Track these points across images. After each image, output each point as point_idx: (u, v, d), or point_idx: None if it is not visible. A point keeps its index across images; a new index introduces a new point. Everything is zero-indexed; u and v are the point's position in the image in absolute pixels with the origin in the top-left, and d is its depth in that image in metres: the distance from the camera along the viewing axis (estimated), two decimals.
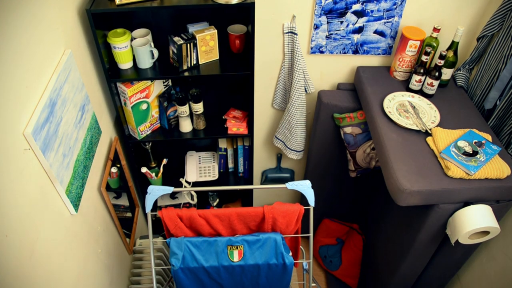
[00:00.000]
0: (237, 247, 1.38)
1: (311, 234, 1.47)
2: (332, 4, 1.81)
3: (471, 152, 1.52)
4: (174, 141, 2.14)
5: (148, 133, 1.93)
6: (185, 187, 2.09)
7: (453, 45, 1.78)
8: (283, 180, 2.57)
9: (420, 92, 1.83)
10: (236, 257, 1.39)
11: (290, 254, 1.43)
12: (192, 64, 1.71)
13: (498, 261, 1.73)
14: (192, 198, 2.23)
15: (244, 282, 1.46)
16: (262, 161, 2.54)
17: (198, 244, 1.38)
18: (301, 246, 1.64)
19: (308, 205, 1.45)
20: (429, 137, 1.62)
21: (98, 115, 1.62)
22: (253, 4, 1.54)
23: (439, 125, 1.68)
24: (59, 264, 1.20)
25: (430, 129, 1.65)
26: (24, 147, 1.02)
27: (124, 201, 1.95)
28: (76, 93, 1.35)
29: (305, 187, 1.37)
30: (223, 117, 1.99)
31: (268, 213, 1.38)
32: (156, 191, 1.36)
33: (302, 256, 1.75)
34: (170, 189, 1.36)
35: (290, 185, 1.36)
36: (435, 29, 1.76)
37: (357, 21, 1.87)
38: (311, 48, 1.97)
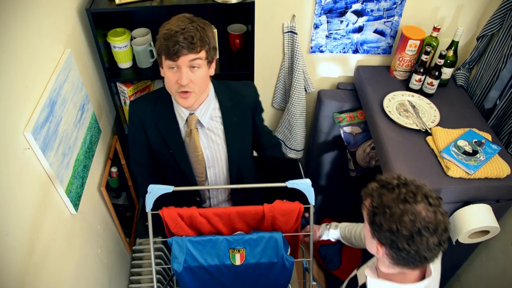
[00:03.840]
0: (239, 250, 1.38)
1: (311, 233, 1.47)
2: (332, 3, 1.81)
3: (471, 152, 1.52)
4: None
5: None
6: None
7: (453, 45, 1.77)
8: None
9: (420, 92, 1.83)
10: (238, 260, 1.39)
11: (289, 250, 1.43)
12: None
13: (498, 261, 1.73)
14: None
15: (245, 280, 1.46)
16: None
17: (199, 245, 1.38)
18: (301, 245, 1.64)
19: (308, 203, 1.45)
20: (429, 137, 1.62)
21: (98, 114, 1.62)
22: (253, 3, 1.53)
23: (439, 124, 1.67)
24: (59, 263, 1.20)
25: (430, 129, 1.65)
26: (24, 146, 1.02)
27: (124, 201, 1.95)
28: (76, 92, 1.34)
29: (305, 185, 1.36)
30: None
31: (268, 211, 1.38)
32: (156, 190, 1.35)
33: (302, 254, 1.75)
34: (170, 188, 1.36)
35: (291, 184, 1.36)
36: (435, 29, 1.76)
37: (357, 20, 1.87)
38: (311, 48, 1.97)
